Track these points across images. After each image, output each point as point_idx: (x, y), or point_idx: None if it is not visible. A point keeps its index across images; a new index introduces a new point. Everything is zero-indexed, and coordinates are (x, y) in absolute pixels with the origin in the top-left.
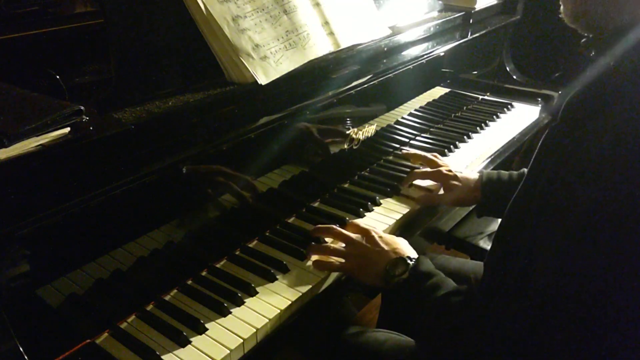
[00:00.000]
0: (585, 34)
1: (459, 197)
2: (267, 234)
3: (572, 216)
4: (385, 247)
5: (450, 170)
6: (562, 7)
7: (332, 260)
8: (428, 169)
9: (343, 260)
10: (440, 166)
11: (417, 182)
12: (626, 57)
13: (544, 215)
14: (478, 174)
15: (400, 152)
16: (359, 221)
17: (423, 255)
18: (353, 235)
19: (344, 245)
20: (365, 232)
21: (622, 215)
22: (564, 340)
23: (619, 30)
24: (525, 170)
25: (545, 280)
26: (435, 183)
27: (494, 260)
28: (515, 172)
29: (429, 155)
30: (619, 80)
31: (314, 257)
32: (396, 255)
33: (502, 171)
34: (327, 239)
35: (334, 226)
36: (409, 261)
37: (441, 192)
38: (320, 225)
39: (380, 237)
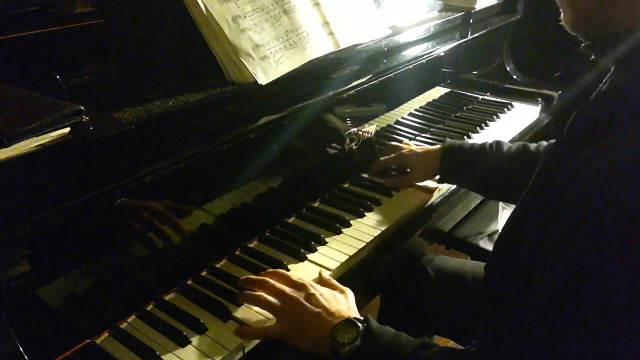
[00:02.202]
0: (586, 41)
1: (424, 172)
2: (267, 234)
3: (576, 239)
4: (329, 308)
5: (411, 150)
6: (562, 14)
7: (262, 322)
8: (391, 156)
9: (274, 321)
10: (402, 149)
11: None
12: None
13: (545, 234)
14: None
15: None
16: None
17: (365, 312)
18: (287, 289)
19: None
20: (302, 288)
21: (628, 240)
22: None
23: (619, 38)
24: (495, 141)
25: (544, 299)
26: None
27: (494, 267)
28: (478, 143)
29: (387, 144)
30: (620, 97)
31: (241, 313)
32: (341, 317)
33: (466, 141)
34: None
35: (267, 278)
36: (358, 323)
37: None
38: (250, 277)
39: (321, 294)
